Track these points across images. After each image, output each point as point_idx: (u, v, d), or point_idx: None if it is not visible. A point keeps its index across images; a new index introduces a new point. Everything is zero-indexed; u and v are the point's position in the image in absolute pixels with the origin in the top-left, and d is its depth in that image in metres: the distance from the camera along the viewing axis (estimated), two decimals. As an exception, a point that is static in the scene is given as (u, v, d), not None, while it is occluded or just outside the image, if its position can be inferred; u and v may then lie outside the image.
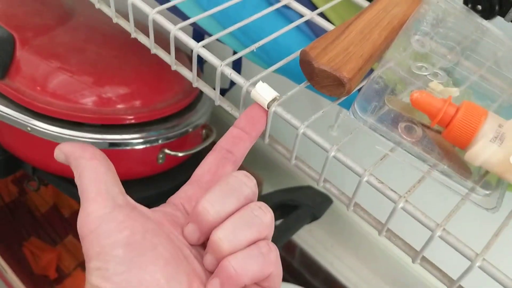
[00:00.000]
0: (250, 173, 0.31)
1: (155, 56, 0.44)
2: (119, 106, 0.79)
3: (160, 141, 0.82)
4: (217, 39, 0.41)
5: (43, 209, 1.18)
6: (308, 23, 0.47)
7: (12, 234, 1.12)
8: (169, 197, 0.35)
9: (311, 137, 0.35)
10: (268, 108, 0.35)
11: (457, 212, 0.32)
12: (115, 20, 0.45)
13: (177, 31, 0.39)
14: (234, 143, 0.35)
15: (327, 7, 0.46)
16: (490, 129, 0.32)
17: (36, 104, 0.76)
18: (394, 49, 0.39)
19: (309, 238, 1.15)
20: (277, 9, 0.45)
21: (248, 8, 0.59)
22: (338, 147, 0.34)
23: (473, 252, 0.30)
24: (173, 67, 0.42)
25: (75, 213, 1.18)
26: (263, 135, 0.38)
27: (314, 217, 0.97)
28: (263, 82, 0.36)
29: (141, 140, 0.80)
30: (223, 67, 0.38)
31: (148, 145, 0.81)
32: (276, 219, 1.06)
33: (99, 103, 0.78)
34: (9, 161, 0.87)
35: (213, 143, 0.36)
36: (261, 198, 0.94)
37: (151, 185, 0.88)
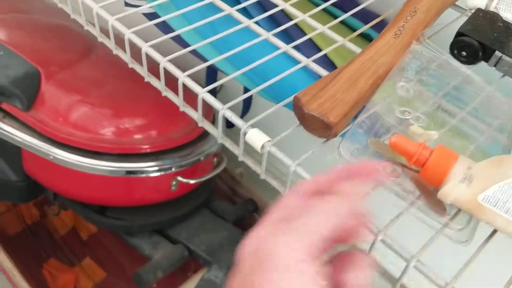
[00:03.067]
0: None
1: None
2: (136, 136, 0.84)
3: (173, 169, 0.86)
4: (225, 73, 0.45)
5: (63, 232, 1.24)
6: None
7: (32, 255, 1.18)
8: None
9: (301, 174, 0.39)
10: (261, 150, 0.40)
11: (431, 245, 0.35)
12: (130, 65, 0.50)
13: (184, 78, 0.44)
14: None
15: (328, 51, 0.51)
16: (460, 171, 0.35)
17: (58, 135, 0.82)
18: (379, 94, 0.43)
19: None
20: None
21: (256, 47, 0.64)
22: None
23: (444, 282, 0.34)
24: (181, 109, 0.47)
25: (93, 236, 1.22)
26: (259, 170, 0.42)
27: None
28: (254, 127, 0.41)
29: (156, 168, 0.85)
30: (224, 110, 0.42)
31: (162, 173, 0.86)
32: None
33: (117, 133, 0.83)
34: (32, 186, 0.93)
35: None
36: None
37: (164, 210, 0.92)
